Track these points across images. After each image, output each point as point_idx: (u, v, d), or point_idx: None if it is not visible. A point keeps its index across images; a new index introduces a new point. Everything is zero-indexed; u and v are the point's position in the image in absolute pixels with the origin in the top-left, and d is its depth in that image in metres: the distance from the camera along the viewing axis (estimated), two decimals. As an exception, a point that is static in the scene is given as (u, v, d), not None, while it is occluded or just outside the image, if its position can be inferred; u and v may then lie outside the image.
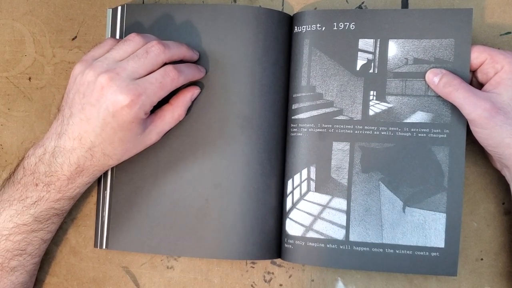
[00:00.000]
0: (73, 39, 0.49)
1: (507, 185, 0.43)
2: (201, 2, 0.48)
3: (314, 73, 0.45)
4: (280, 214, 0.45)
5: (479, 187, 0.46)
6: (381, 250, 0.43)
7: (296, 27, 0.45)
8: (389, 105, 0.44)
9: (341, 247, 0.43)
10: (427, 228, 0.43)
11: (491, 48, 0.41)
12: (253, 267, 0.47)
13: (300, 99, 0.45)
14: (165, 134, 0.44)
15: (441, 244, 0.42)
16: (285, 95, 0.46)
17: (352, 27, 0.44)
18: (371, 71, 0.44)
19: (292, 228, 0.44)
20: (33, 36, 0.49)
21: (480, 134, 0.40)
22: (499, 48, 0.41)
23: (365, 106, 0.44)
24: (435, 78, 0.42)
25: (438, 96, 0.43)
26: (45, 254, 0.47)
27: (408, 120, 0.43)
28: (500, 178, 0.46)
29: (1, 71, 0.49)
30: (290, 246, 0.44)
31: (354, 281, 0.46)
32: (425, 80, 0.43)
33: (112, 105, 0.38)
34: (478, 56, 0.41)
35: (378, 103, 0.44)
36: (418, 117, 0.43)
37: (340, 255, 0.43)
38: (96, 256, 0.48)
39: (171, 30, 0.45)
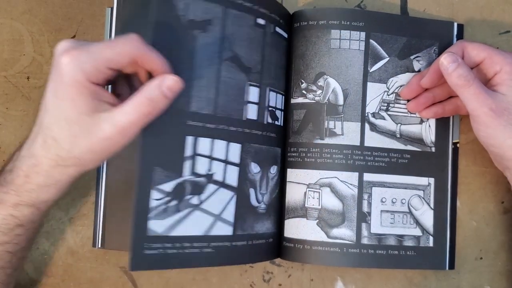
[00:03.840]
0: (71, 38, 0.49)
1: (507, 184, 0.43)
2: None
3: None
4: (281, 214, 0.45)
5: (478, 186, 0.46)
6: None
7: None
8: None
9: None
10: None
11: (490, 48, 0.41)
12: (252, 267, 0.47)
13: None
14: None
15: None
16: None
17: None
18: None
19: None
20: (31, 35, 0.49)
21: (483, 133, 0.40)
22: (498, 48, 0.41)
23: None
24: (451, 65, 0.39)
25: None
26: (41, 254, 0.47)
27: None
28: (499, 177, 0.46)
29: (-1, 70, 0.49)
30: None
31: (353, 280, 0.46)
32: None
33: (54, 61, 0.35)
34: (477, 54, 0.41)
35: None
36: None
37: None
38: (93, 256, 0.47)
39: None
